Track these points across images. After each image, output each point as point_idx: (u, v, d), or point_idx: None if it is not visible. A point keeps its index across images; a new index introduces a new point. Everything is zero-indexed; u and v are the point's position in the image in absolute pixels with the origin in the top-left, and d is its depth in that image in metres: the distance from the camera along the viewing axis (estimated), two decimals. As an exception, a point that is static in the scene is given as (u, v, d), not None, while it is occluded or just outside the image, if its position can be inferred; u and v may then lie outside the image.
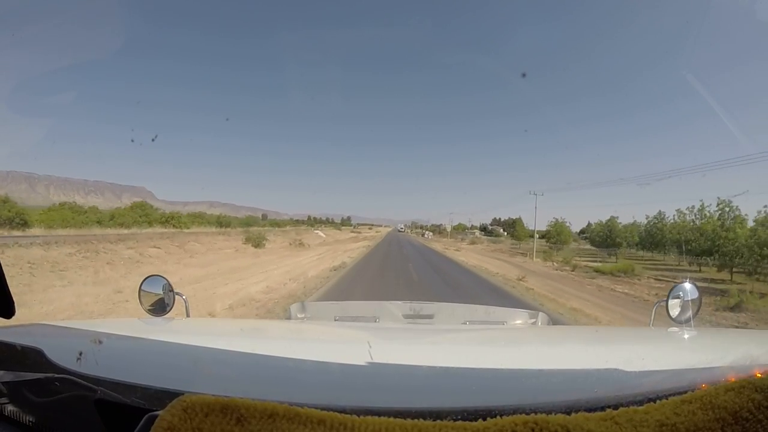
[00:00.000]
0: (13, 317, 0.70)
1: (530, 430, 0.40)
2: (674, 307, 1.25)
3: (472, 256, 26.44)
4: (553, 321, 2.22)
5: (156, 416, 0.42)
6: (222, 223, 44.15)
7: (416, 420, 0.43)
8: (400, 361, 0.83)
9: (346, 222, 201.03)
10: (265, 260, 18.23)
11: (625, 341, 1.22)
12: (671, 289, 1.28)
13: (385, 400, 0.61)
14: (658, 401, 0.46)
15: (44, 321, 1.25)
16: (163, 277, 1.32)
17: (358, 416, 0.43)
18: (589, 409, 0.47)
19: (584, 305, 9.60)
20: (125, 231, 24.01)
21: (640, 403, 0.47)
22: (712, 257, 20.30)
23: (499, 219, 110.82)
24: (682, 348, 1.07)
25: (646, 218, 29.68)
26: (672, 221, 25.41)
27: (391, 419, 0.42)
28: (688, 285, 1.27)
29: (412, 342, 1.18)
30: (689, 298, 1.24)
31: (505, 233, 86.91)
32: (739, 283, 15.88)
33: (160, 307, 1.27)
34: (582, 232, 55.20)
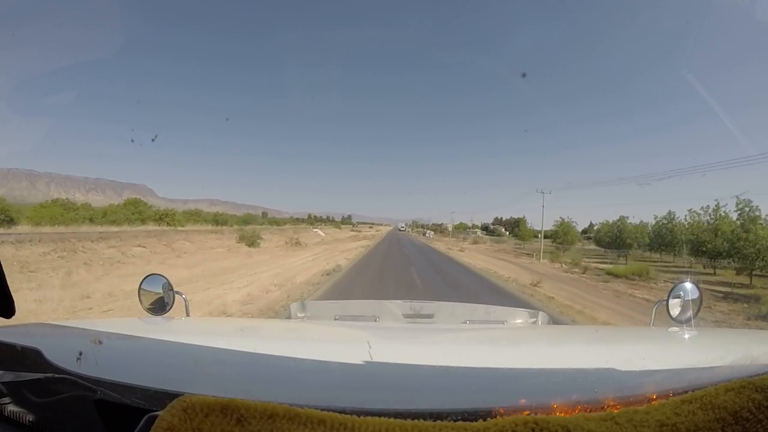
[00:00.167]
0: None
1: (530, 430, 0.40)
2: (675, 307, 1.25)
3: (477, 257, 25.10)
4: (554, 320, 2.12)
5: (156, 416, 0.42)
6: (219, 221, 43.23)
7: (416, 420, 0.43)
8: (400, 361, 0.83)
9: (346, 221, 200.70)
10: (257, 261, 17.11)
11: (625, 341, 1.23)
12: (672, 289, 1.28)
13: (385, 401, 0.61)
14: (658, 401, 0.46)
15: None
16: (163, 276, 1.32)
17: (358, 416, 0.42)
18: (589, 409, 0.47)
19: (611, 316, 8.51)
20: (115, 228, 23.07)
21: (640, 403, 0.47)
22: (730, 259, 19.28)
23: (501, 218, 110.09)
24: (682, 348, 1.08)
25: (654, 218, 28.66)
26: (683, 221, 24.38)
27: (391, 419, 0.42)
28: (688, 285, 1.26)
29: (412, 341, 1.19)
30: (690, 298, 1.24)
31: (507, 233, 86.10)
32: (763, 288, 14.87)
33: (159, 306, 1.27)
34: (584, 232, 54.04)
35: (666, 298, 1.26)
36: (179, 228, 29.26)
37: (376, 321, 1.66)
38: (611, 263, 25.27)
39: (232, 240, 24.90)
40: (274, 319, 4.25)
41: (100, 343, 0.80)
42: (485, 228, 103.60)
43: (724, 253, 19.67)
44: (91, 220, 27.84)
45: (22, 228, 20.05)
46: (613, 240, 31.78)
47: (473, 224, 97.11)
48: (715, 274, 20.63)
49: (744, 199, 18.84)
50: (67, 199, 35.98)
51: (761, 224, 17.68)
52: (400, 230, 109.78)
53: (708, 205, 21.61)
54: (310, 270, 13.05)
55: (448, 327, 1.58)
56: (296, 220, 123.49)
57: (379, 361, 0.79)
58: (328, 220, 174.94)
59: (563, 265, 22.43)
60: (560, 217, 38.82)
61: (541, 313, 1.74)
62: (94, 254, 14.50)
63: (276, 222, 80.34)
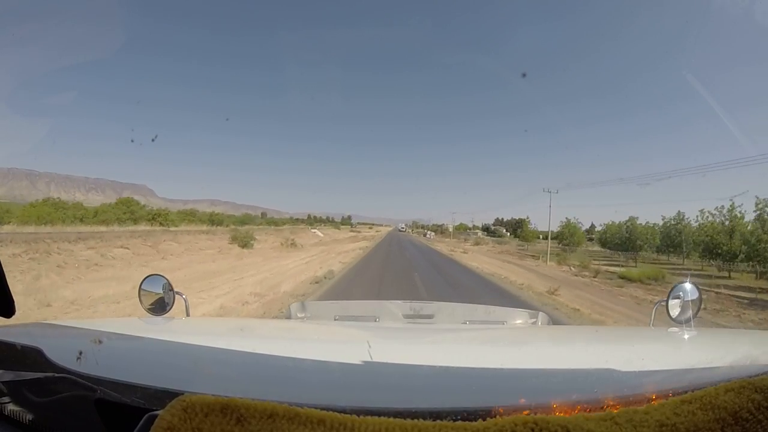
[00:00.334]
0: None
1: (530, 430, 0.40)
2: (674, 307, 1.25)
3: (482, 259, 24.06)
4: (554, 321, 2.05)
5: (156, 416, 0.42)
6: (214, 221, 42.22)
7: (416, 420, 0.43)
8: (400, 361, 0.83)
9: (345, 221, 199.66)
10: (247, 263, 16.14)
11: (625, 341, 1.23)
12: (671, 289, 1.28)
13: (384, 400, 0.61)
14: (657, 401, 0.46)
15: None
16: (163, 276, 1.32)
17: (358, 416, 0.43)
18: (589, 409, 0.48)
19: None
20: (104, 228, 22.04)
21: (640, 403, 0.47)
22: (749, 262, 18.22)
23: (502, 219, 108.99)
24: (682, 348, 1.07)
25: (662, 219, 27.61)
26: (692, 222, 23.36)
27: (391, 419, 0.42)
28: (688, 285, 1.27)
29: (412, 342, 1.19)
30: (689, 298, 1.24)
31: (508, 233, 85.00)
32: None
33: (159, 307, 1.27)
34: (586, 232, 52.90)
35: (666, 299, 1.27)
36: (172, 228, 28.23)
37: (376, 321, 1.66)
38: (621, 266, 24.18)
39: (224, 241, 23.89)
40: (274, 319, 4.21)
41: (101, 342, 0.81)
42: (486, 229, 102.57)
43: (742, 256, 18.62)
44: (81, 220, 27.10)
45: (8, 228, 19.02)
46: (623, 241, 30.75)
47: (474, 225, 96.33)
48: (730, 277, 19.58)
49: (764, 199, 17.82)
50: (58, 198, 35.05)
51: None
52: (400, 231, 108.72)
53: (723, 206, 20.60)
54: (300, 276, 12.00)
55: (448, 327, 1.58)
56: (295, 221, 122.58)
57: (379, 361, 0.79)
58: (327, 221, 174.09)
59: (571, 268, 21.40)
60: (566, 218, 37.89)
61: (540, 313, 1.74)
62: (69, 256, 13.45)
63: (274, 222, 79.36)
